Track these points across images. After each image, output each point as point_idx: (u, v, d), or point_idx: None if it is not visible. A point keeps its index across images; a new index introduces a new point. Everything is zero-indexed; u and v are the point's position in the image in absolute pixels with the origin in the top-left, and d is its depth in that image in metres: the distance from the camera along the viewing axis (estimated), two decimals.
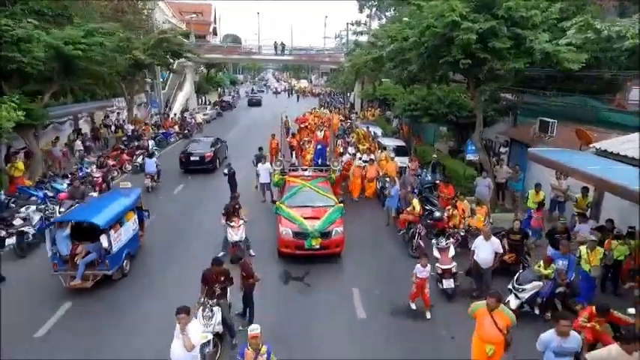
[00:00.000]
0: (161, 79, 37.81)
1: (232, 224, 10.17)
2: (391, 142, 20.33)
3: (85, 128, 23.85)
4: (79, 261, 8.63)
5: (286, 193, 11.54)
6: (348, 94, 48.21)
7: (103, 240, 8.75)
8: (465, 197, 12.16)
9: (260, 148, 17.06)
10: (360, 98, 37.62)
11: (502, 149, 16.81)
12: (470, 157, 14.71)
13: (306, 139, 18.42)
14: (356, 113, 35.11)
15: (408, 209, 11.95)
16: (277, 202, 11.08)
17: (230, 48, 44.18)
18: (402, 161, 17.02)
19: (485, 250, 8.69)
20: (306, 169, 12.68)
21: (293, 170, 12.73)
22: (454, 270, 9.11)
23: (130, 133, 23.29)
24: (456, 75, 15.16)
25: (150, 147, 21.73)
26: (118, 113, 27.98)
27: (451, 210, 11.60)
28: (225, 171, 13.91)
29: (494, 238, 8.81)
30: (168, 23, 45.03)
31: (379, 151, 19.51)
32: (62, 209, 11.45)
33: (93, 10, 23.47)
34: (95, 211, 9.19)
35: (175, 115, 33.13)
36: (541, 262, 8.39)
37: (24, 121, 14.04)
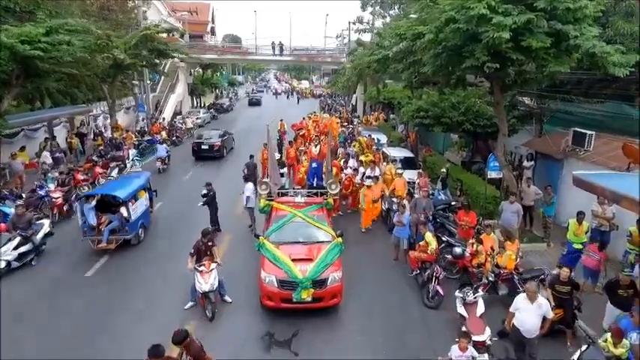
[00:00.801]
0: (153, 81, 35.83)
1: (201, 269, 8.06)
2: (398, 153, 18.10)
3: (62, 136, 21.83)
4: (104, 228, 10.74)
5: (272, 224, 9.38)
6: (350, 96, 46.08)
7: (123, 210, 10.87)
8: (491, 228, 9.96)
9: (251, 156, 14.98)
10: (363, 101, 35.41)
11: (526, 163, 14.62)
12: (492, 174, 12.51)
13: (302, 148, 16.33)
14: (358, 117, 32.92)
15: (421, 243, 9.80)
16: (261, 237, 8.92)
17: (225, 48, 41.97)
18: (410, 176, 14.85)
19: (530, 315, 6.53)
20: (297, 194, 10.41)
21: (282, 194, 10.45)
22: (489, 342, 6.94)
23: (108, 142, 21.17)
24: (475, 77, 13.02)
25: (130, 157, 19.68)
26: (106, 118, 25.90)
27: (475, 245, 9.44)
28: (204, 191, 11.72)
29: (541, 299, 6.64)
30: (165, 23, 43.16)
31: (384, 163, 17.37)
32: None
33: (75, 8, 21.38)
34: (117, 187, 11.49)
35: (164, 119, 30.98)
36: (608, 337, 6.20)
37: None
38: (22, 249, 9.87)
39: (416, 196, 12.39)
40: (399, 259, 10.91)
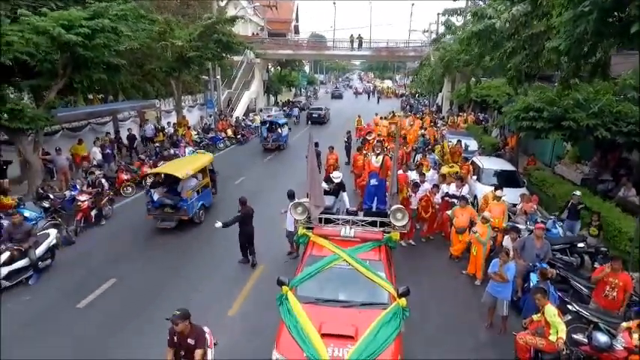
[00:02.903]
0: (229, 77, 35.20)
1: None
2: (494, 165, 14.04)
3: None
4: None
5: (303, 268, 6.47)
6: (435, 95, 41.47)
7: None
8: None
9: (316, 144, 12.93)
10: (450, 100, 30.89)
11: None
12: None
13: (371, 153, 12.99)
14: (443, 118, 28.63)
15: (536, 318, 6.17)
16: (284, 287, 6.08)
17: (300, 43, 40.08)
18: (510, 198, 10.97)
19: None
20: (346, 222, 7.28)
21: (326, 221, 7.42)
22: None
23: (168, 138, 20.07)
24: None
25: (186, 154, 18.21)
26: (184, 116, 25.31)
27: (636, 336, 5.61)
28: (240, 208, 9.17)
29: None
30: (250, 22, 42.74)
31: (473, 177, 13.54)
32: None
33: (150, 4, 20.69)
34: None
35: (233, 117, 29.85)
36: None
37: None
38: (16, 265, 8.22)
39: (523, 231, 8.61)
40: (494, 327, 7.35)
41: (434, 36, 34.35)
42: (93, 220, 11.52)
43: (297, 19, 63.40)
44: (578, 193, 10.39)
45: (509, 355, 6.53)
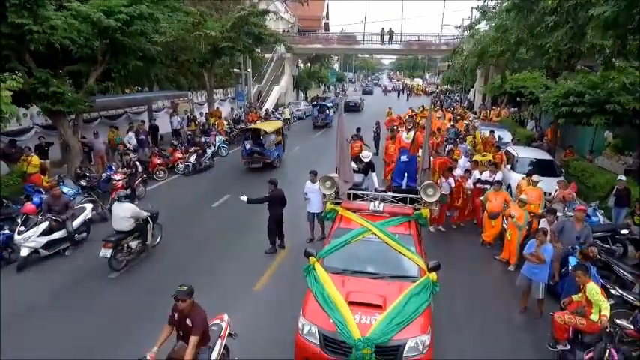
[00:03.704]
0: (260, 71, 35.58)
1: None
2: (529, 154, 13.52)
3: (163, 121, 21.75)
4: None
5: (331, 239, 6.40)
6: (467, 91, 40.43)
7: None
8: None
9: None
10: (482, 94, 29.99)
11: None
12: None
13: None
14: (475, 113, 27.84)
15: (576, 298, 5.86)
16: (311, 257, 6.03)
17: (329, 37, 39.95)
18: (547, 187, 10.48)
19: None
20: (376, 198, 7.16)
21: (354, 197, 7.33)
22: None
23: (200, 127, 20.47)
24: None
25: (216, 143, 18.53)
26: (217, 108, 25.79)
27: None
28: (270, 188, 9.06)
29: None
30: (280, 19, 43.08)
31: (507, 166, 13.07)
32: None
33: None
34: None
35: (266, 109, 30.17)
36: None
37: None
38: (54, 235, 8.55)
39: (560, 215, 8.21)
40: (530, 309, 7.04)
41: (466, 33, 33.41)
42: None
43: (327, 17, 63.45)
44: (623, 177, 9.84)
45: (545, 338, 6.23)
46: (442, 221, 10.59)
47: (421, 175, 7.26)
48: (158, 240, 9.21)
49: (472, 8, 32.23)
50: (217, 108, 25.23)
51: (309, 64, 49.40)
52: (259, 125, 17.75)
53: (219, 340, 4.95)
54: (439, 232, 10.40)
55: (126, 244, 8.19)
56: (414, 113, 7.60)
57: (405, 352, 4.80)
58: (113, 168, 12.16)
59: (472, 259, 9.19)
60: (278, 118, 28.55)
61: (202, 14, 18.86)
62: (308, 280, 5.72)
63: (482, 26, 16.85)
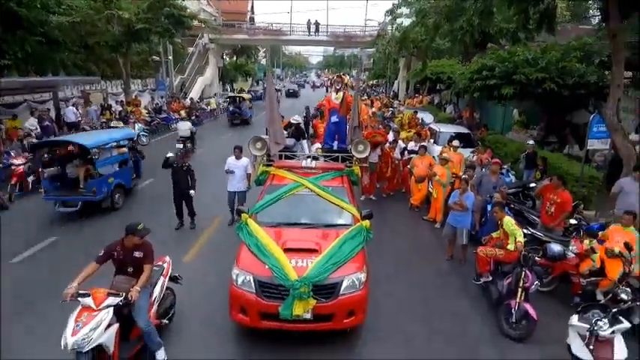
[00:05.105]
0: (182, 62, 33.93)
1: (85, 301, 4.11)
2: (449, 129, 14.43)
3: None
4: None
5: (264, 196, 6.21)
6: (391, 84, 42.21)
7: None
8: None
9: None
10: (406, 82, 31.50)
11: (634, 136, 10.52)
12: (594, 143, 8.70)
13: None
14: (399, 101, 29.15)
15: (495, 235, 6.31)
16: (244, 214, 5.79)
17: (254, 28, 39.34)
18: (466, 156, 11.26)
19: None
20: (307, 157, 7.08)
21: (286, 158, 7.21)
22: None
23: (116, 115, 18.95)
24: None
25: (135, 131, 17.29)
26: (136, 96, 23.91)
27: (588, 241, 5.85)
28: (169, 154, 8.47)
29: None
30: (203, 12, 41.33)
31: (431, 140, 13.80)
32: None
33: None
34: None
35: (191, 98, 28.89)
36: None
37: None
38: None
39: (482, 171, 8.82)
40: (456, 257, 7.45)
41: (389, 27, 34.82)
42: (30, 187, 10.55)
43: (252, 11, 62.49)
44: (531, 142, 10.81)
45: (470, 279, 6.62)
46: (373, 190, 10.88)
47: (351, 134, 7.34)
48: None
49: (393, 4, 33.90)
50: (135, 97, 23.59)
51: (235, 58, 48.28)
52: (239, 94, 21.15)
53: (162, 278, 5.05)
54: (370, 201, 10.63)
55: None
56: (341, 73, 7.62)
57: (342, 289, 4.77)
58: (12, 153, 10.75)
59: (402, 222, 9.53)
60: (204, 109, 27.60)
61: None
62: (241, 235, 5.47)
63: (404, 10, 17.68)
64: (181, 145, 15.23)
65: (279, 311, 4.59)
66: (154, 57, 26.75)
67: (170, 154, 8.37)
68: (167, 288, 5.18)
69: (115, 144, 9.97)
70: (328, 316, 4.77)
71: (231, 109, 24.07)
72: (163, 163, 8.32)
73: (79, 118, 17.93)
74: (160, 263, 5.22)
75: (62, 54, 19.92)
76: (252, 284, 4.78)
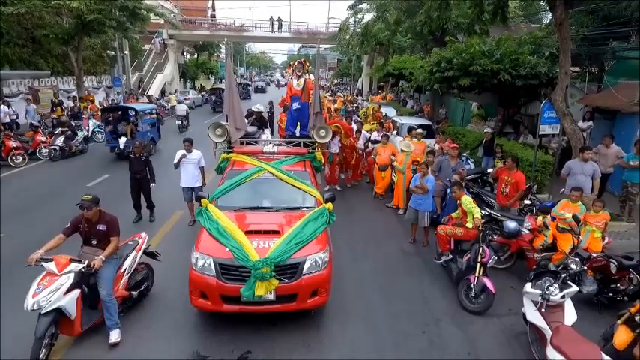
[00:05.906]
0: (140, 59, 32.72)
1: (48, 265, 4.26)
2: (411, 121, 14.72)
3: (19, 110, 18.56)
4: None
5: (225, 181, 6.06)
6: (355, 81, 42.66)
7: None
8: (581, 194, 6.43)
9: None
10: (370, 77, 31.89)
11: (582, 124, 11.16)
12: (546, 130, 9.12)
13: None
14: (362, 98, 29.50)
15: (454, 215, 6.47)
16: (204, 200, 5.61)
17: (217, 24, 38.53)
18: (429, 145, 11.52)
19: None
20: (273, 143, 6.96)
21: (247, 144, 7.07)
22: None
23: (68, 112, 18.01)
24: None
25: (90, 127, 16.56)
26: (89, 92, 22.78)
27: (541, 217, 6.11)
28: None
29: None
30: (161, 8, 39.96)
31: (394, 132, 14.03)
32: None
33: None
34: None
35: (148, 95, 27.94)
36: None
37: None
38: None
39: (441, 157, 9.03)
40: (418, 240, 7.58)
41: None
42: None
43: (213, 9, 61.32)
44: (489, 130, 11.19)
45: (431, 260, 6.75)
46: (337, 181, 10.92)
47: (313, 119, 7.30)
48: None
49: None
50: (89, 92, 22.54)
51: (195, 55, 47.19)
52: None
53: (134, 252, 5.19)
54: (335, 191, 10.63)
55: None
56: (303, 60, 7.50)
57: (304, 269, 4.71)
58: None
59: (366, 210, 9.60)
60: (164, 106, 26.74)
61: None
62: (201, 220, 5.30)
63: (365, 6, 17.86)
64: (180, 122, 20.03)
65: (241, 292, 4.48)
66: (109, 52, 25.64)
67: (123, 139, 8.08)
68: (143, 263, 5.40)
69: (148, 111, 15.03)
70: (291, 296, 4.70)
71: (214, 99, 29.96)
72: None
73: (53, 109, 17.85)
74: (136, 238, 5.42)
75: (6, 48, 18.77)
76: (213, 267, 4.63)
